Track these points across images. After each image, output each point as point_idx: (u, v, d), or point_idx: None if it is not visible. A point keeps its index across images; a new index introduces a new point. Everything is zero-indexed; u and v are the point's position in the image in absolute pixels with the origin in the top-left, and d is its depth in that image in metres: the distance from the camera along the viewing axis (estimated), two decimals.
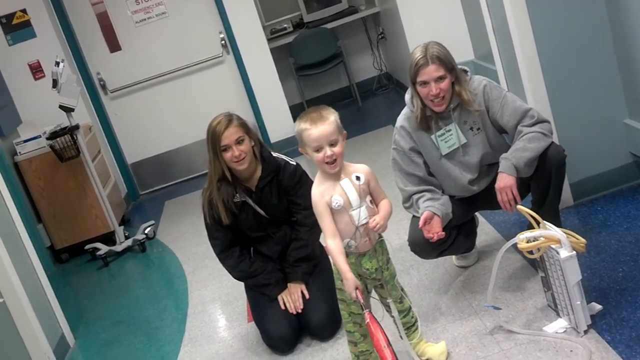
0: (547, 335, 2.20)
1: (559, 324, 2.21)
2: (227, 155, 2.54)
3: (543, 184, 2.48)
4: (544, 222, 2.16)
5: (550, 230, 2.12)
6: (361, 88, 6.40)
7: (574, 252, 2.10)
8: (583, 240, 2.16)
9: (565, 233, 2.12)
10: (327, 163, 2.04)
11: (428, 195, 2.50)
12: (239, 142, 2.54)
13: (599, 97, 2.91)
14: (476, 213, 2.83)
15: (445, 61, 2.41)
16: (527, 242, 2.14)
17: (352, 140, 5.09)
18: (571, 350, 2.09)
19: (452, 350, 2.28)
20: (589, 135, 2.94)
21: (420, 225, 2.37)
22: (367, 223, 2.07)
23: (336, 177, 2.08)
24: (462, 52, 4.54)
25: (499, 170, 2.43)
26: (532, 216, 2.18)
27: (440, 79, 2.41)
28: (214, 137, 2.54)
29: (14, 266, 3.00)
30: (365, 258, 2.13)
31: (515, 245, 2.18)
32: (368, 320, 1.98)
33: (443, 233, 2.37)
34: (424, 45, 2.44)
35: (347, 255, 2.12)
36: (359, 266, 2.14)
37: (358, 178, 2.08)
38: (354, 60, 6.46)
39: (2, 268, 2.94)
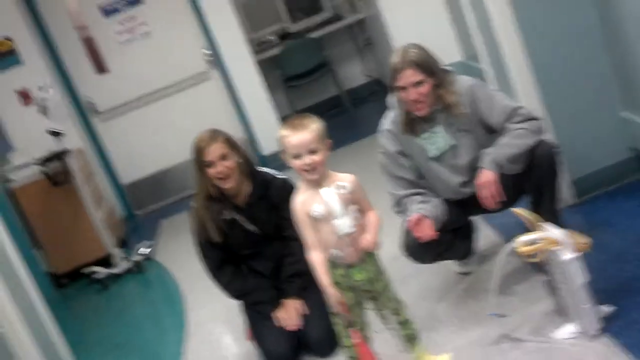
0: (556, 341, 2.10)
1: (568, 329, 2.11)
2: (211, 171, 2.50)
3: (535, 183, 2.40)
4: (540, 223, 2.06)
5: (548, 231, 2.02)
6: (353, 95, 6.34)
7: (577, 253, 2.00)
8: (586, 239, 2.05)
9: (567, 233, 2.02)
10: (305, 170, 2.00)
11: (419, 198, 2.43)
12: (223, 158, 2.50)
13: (592, 91, 2.82)
14: (475, 217, 2.73)
15: (423, 65, 2.32)
16: (526, 246, 2.03)
17: (344, 148, 5.07)
18: (582, 357, 2.01)
19: None
20: (585, 131, 2.85)
21: (408, 226, 2.30)
22: (352, 232, 2.02)
23: (318, 185, 2.04)
24: (450, 54, 4.50)
25: (479, 166, 2.34)
26: (528, 217, 2.08)
27: (418, 83, 2.32)
28: (197, 153, 2.51)
29: (12, 295, 2.93)
30: (355, 269, 2.07)
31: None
32: (356, 340, 1.92)
33: (433, 234, 2.30)
34: (402, 49, 2.36)
35: (336, 266, 2.06)
36: (349, 278, 2.07)
37: (341, 187, 2.03)
38: (342, 68, 6.40)
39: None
